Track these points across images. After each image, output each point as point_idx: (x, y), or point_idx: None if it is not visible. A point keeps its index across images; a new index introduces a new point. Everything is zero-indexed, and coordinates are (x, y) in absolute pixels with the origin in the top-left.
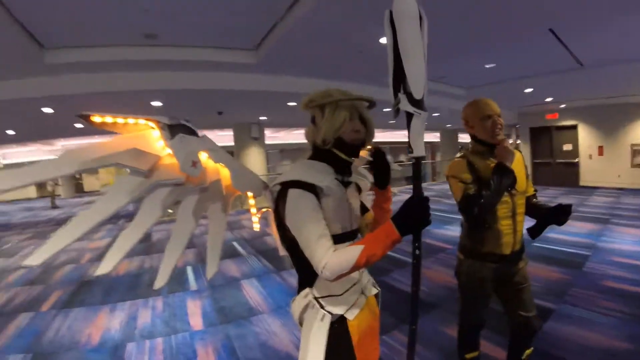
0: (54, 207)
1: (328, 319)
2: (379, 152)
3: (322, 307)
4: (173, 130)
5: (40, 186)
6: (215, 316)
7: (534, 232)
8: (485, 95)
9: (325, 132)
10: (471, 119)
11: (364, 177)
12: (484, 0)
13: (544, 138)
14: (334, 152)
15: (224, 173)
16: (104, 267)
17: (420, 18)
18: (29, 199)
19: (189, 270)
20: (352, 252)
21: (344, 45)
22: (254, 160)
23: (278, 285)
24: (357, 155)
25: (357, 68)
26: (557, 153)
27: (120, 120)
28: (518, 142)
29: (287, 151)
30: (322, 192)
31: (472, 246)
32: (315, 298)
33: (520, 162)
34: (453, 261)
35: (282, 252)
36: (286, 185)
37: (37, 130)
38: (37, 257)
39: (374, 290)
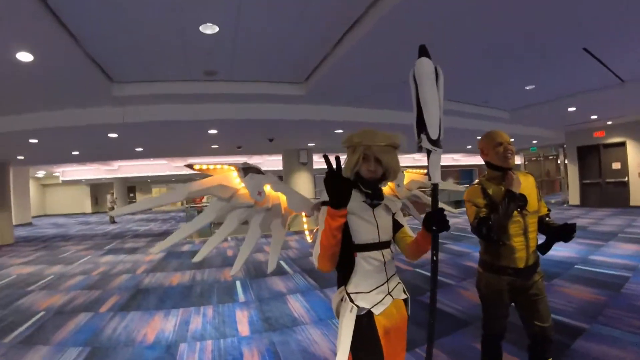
0: (113, 222)
1: (355, 310)
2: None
3: (352, 300)
4: (246, 171)
5: (97, 202)
6: (261, 325)
7: (543, 248)
8: (528, 116)
9: (346, 169)
10: (485, 148)
11: (394, 200)
12: (516, 24)
13: (592, 157)
14: (357, 183)
15: (283, 198)
16: (199, 257)
17: (437, 75)
18: (84, 214)
19: (238, 284)
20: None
21: (387, 76)
22: (302, 184)
23: (320, 300)
24: (376, 188)
25: (400, 97)
26: (605, 172)
27: (212, 167)
28: (566, 161)
29: None
30: (349, 211)
31: (490, 261)
32: (348, 293)
33: (532, 185)
34: None
35: None
36: (322, 204)
37: (100, 152)
38: (157, 249)
39: (403, 295)
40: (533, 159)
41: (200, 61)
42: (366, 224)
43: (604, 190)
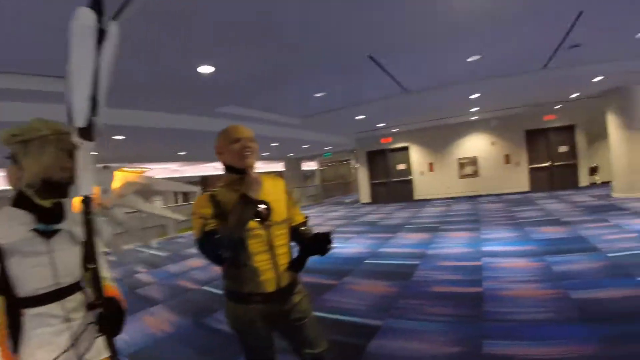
0: None
1: None
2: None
3: None
4: None
5: None
6: None
7: (293, 265)
8: (319, 123)
9: (35, 173)
10: (221, 146)
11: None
12: (303, 30)
13: (380, 160)
14: (30, 198)
15: None
16: None
17: (103, 35)
18: None
19: None
20: None
21: (162, 76)
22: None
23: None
24: (65, 196)
25: (177, 99)
26: (392, 173)
27: None
28: (357, 165)
29: None
30: (6, 250)
31: (232, 287)
32: None
33: (281, 190)
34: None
35: None
36: None
37: None
38: None
39: (104, 354)
40: (330, 164)
41: None
42: (35, 264)
43: (392, 188)
